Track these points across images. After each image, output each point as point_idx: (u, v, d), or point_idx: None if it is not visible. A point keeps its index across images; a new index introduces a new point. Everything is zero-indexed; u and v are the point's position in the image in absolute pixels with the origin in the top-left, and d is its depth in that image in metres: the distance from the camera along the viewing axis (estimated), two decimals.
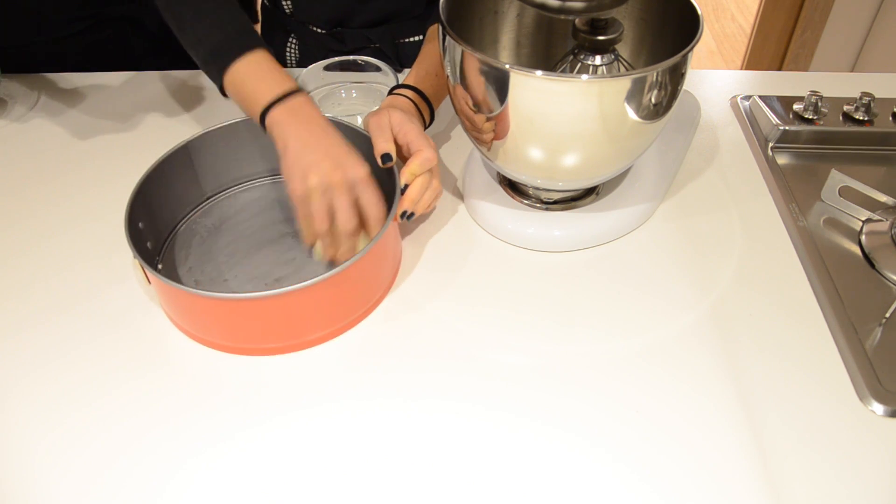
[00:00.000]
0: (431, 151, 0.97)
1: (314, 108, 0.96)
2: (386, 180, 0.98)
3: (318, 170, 0.90)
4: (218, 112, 1.23)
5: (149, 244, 0.99)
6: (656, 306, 0.96)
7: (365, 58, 1.25)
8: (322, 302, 0.89)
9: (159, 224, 1.04)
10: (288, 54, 1.49)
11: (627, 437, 0.82)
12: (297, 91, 0.96)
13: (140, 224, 0.96)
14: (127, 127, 1.29)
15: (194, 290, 0.86)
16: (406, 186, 0.96)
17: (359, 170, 0.91)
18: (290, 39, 1.47)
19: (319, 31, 1.42)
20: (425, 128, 1.09)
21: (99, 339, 0.94)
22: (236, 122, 1.06)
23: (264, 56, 0.98)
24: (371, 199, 0.93)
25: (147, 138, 1.25)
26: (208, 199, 1.11)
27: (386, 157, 0.97)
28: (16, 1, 1.35)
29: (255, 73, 0.97)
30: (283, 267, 1.01)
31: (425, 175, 0.98)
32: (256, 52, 0.97)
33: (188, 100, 1.34)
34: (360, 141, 1.00)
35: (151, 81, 1.40)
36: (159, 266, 1.02)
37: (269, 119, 0.94)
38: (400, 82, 1.10)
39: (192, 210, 1.10)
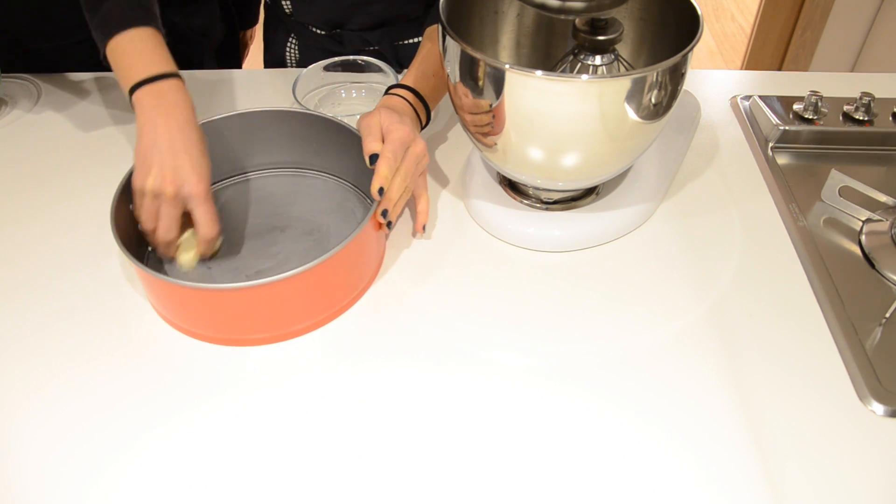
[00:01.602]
0: (390, 157, 0.95)
1: (182, 94, 0.96)
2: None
3: (157, 174, 0.90)
4: (220, 109, 1.22)
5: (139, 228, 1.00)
6: (656, 306, 0.96)
7: (365, 58, 1.25)
8: (299, 295, 0.90)
9: None
10: (288, 54, 1.49)
11: (627, 436, 0.82)
12: (171, 75, 0.96)
13: (130, 206, 0.96)
14: (128, 127, 1.29)
15: (165, 278, 0.86)
16: (381, 189, 0.95)
17: (195, 185, 0.91)
18: (291, 39, 1.47)
19: (319, 32, 1.42)
20: (422, 128, 1.09)
21: (83, 327, 0.95)
22: (229, 116, 1.08)
23: (150, 34, 0.98)
24: (202, 217, 0.92)
25: None
26: None
27: (373, 157, 0.96)
28: (28, 5, 1.34)
29: (135, 49, 0.97)
30: (266, 260, 1.01)
31: (402, 176, 0.97)
32: (144, 28, 0.97)
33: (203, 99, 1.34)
34: (351, 141, 1.01)
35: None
36: (148, 252, 1.02)
37: (134, 98, 0.95)
38: (397, 82, 1.10)
39: None
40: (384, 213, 0.96)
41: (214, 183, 1.13)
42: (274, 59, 1.53)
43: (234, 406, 0.86)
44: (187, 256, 0.97)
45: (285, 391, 0.87)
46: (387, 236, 1.06)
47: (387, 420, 0.84)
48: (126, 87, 0.96)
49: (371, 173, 0.96)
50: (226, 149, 1.11)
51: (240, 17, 1.74)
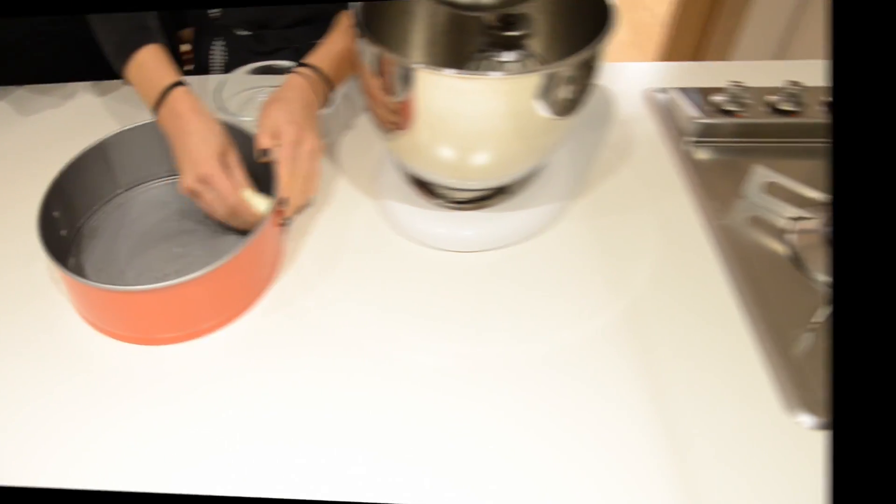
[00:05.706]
0: (289, 162, 1.02)
1: (189, 100, 1.02)
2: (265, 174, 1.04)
3: (189, 173, 0.99)
4: (140, 118, 1.19)
5: (63, 232, 1.06)
6: (568, 308, 0.95)
7: (281, 62, 1.33)
8: (203, 295, 0.94)
9: (74, 214, 1.11)
10: (212, 56, 1.50)
11: (536, 443, 0.80)
12: (175, 85, 1.02)
13: (55, 213, 1.02)
14: (64, 134, 1.31)
15: (82, 280, 0.90)
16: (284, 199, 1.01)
17: (205, 167, 0.98)
18: (214, 43, 1.48)
19: (242, 33, 1.45)
20: (321, 107, 1.13)
21: (8, 326, 0.97)
22: (143, 125, 1.12)
23: (151, 53, 1.05)
24: (221, 193, 0.99)
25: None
26: (122, 192, 1.18)
27: (264, 152, 1.02)
28: None
29: (140, 74, 1.05)
30: (173, 262, 1.06)
31: (301, 178, 1.04)
32: (144, 49, 1.05)
33: (125, 108, 1.36)
34: (251, 144, 1.05)
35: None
36: (72, 255, 1.07)
37: (158, 120, 1.04)
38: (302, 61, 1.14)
39: (104, 202, 1.16)
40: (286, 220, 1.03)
41: (137, 186, 1.19)
42: (197, 63, 1.54)
43: (146, 401, 0.87)
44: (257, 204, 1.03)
45: (196, 386, 0.89)
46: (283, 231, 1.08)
47: (291, 413, 0.85)
48: (150, 110, 1.05)
49: (265, 168, 1.02)
50: (139, 156, 1.16)
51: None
